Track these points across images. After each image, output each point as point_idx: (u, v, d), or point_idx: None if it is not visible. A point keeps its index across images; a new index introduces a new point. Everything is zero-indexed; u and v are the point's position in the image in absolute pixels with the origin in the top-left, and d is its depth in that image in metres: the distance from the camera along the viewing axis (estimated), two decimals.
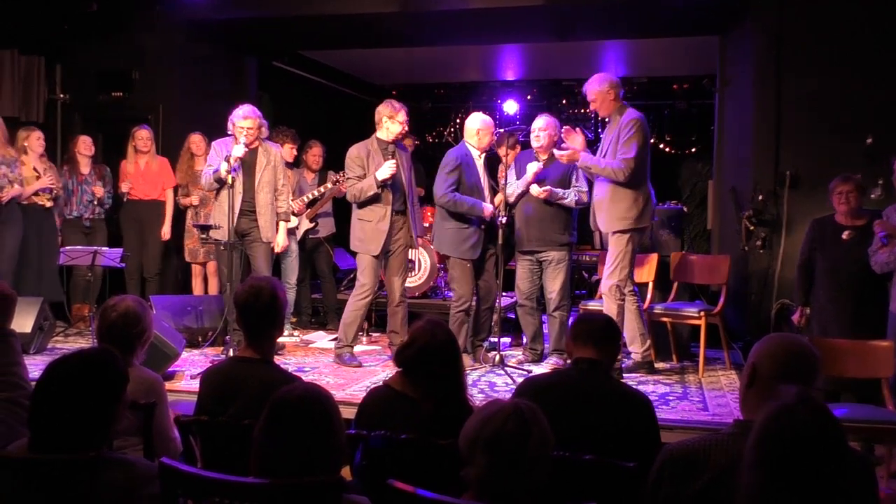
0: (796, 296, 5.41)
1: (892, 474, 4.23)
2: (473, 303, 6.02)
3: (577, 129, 5.76)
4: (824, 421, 1.76)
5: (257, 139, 6.05)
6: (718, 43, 7.57)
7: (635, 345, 5.67)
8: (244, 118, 5.94)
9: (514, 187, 6.03)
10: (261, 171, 6.08)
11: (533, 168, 5.90)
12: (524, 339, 6.33)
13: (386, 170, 5.76)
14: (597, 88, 5.50)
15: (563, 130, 5.69)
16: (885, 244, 4.65)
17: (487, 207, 5.87)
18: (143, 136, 7.26)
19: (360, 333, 7.04)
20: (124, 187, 7.25)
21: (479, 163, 6.05)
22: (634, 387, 5.10)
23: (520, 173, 6.07)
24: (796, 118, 6.42)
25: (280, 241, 6.28)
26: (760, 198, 6.48)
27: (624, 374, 5.46)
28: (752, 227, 6.52)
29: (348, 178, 5.90)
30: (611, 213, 5.45)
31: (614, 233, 5.48)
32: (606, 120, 5.67)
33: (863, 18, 6.22)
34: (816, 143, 6.34)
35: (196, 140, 7.25)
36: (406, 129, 6.07)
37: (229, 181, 5.84)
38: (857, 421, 4.11)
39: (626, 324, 5.52)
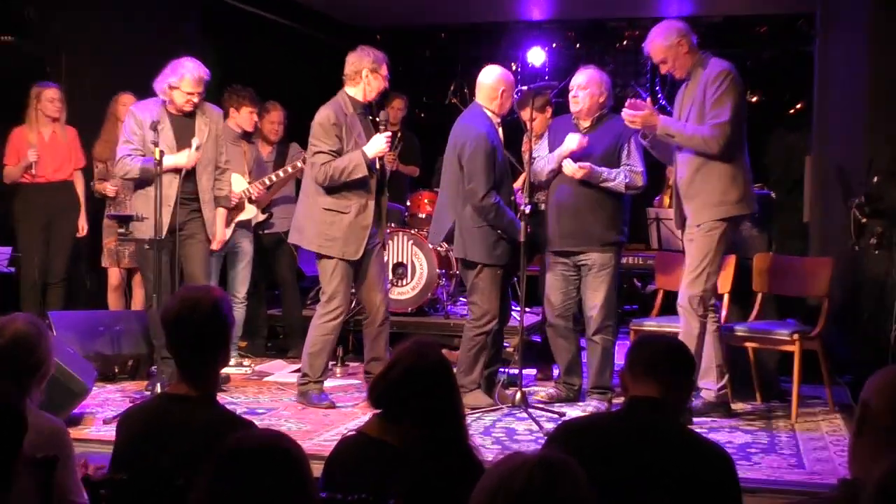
0: None
1: None
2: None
3: (645, 98, 5.75)
4: None
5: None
6: None
7: (709, 378, 5.69)
8: (197, 82, 5.95)
9: (543, 163, 6.02)
10: (201, 145, 6.08)
11: (573, 141, 5.86)
12: (555, 371, 6.32)
13: (379, 144, 5.78)
14: (663, 44, 5.52)
15: (627, 103, 5.64)
16: None
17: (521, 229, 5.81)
18: (52, 97, 7.19)
19: (332, 364, 7.06)
20: (31, 156, 7.08)
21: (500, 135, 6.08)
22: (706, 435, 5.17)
23: (553, 145, 6.07)
24: None
25: (218, 235, 6.28)
26: (876, 179, 6.49)
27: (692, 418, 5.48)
28: (864, 220, 6.53)
29: (318, 152, 5.83)
30: (702, 197, 5.48)
31: (700, 225, 5.49)
32: (685, 78, 5.65)
33: None
34: None
35: (127, 102, 7.22)
36: (387, 85, 6.13)
37: (157, 156, 5.83)
38: None
39: (694, 351, 5.52)
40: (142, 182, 6.10)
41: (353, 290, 6.25)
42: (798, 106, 10.50)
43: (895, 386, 2.29)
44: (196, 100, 6.01)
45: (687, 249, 5.66)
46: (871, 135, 6.64)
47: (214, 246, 6.31)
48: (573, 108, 6.03)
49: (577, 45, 11.44)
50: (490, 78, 6.03)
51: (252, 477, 2.02)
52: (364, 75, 5.92)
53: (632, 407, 2.91)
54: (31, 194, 7.26)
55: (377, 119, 6.04)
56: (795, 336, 5.93)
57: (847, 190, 6.80)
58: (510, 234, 5.84)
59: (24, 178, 7.20)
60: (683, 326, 5.55)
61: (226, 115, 7.21)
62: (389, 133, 5.91)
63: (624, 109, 5.59)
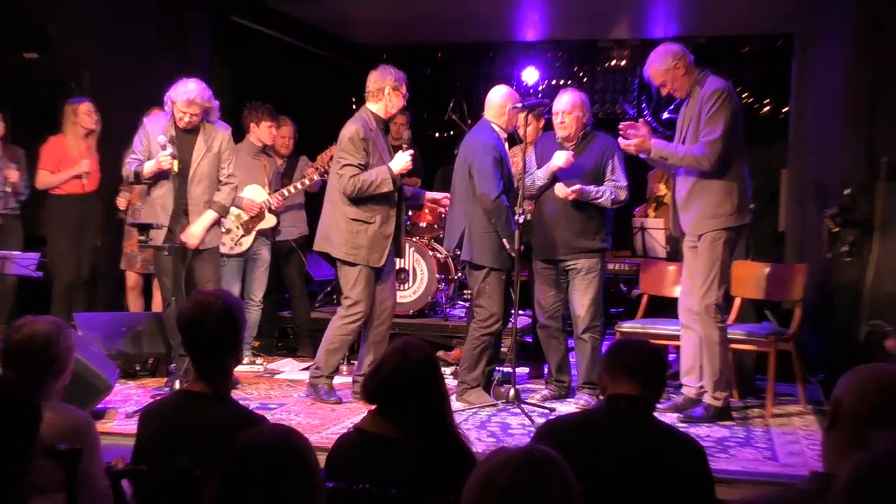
0: None
1: None
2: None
3: (640, 120, 5.78)
4: None
5: (201, 121, 6.07)
6: None
7: (691, 376, 5.71)
8: (188, 103, 5.93)
9: (533, 178, 6.08)
10: (197, 161, 6.04)
11: (561, 158, 5.90)
12: (546, 369, 6.35)
13: (403, 161, 5.81)
14: (660, 68, 5.53)
15: (620, 127, 5.66)
16: None
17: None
18: (88, 111, 7.20)
19: (341, 362, 7.09)
20: (84, 166, 7.12)
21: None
22: (683, 428, 5.18)
23: (541, 160, 6.12)
24: None
25: (194, 232, 6.02)
26: (848, 192, 6.51)
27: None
28: (836, 229, 6.55)
29: (347, 165, 5.79)
30: (698, 210, 5.48)
31: (702, 236, 5.50)
32: (686, 97, 5.63)
33: None
34: None
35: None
36: (405, 104, 6.15)
37: (174, 168, 5.87)
38: None
39: (718, 357, 5.52)
40: (149, 189, 6.13)
41: None
42: (772, 125, 10.52)
43: (866, 385, 2.31)
44: (188, 119, 5.97)
45: (692, 259, 5.62)
46: (845, 150, 6.66)
47: (191, 242, 6.01)
48: (561, 132, 6.06)
49: (569, 64, 11.46)
50: (499, 96, 6.13)
51: (262, 471, 2.04)
52: (386, 93, 5.92)
53: (612, 404, 2.95)
54: (64, 203, 7.26)
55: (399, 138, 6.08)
56: (771, 338, 5.97)
57: (821, 201, 6.82)
58: (509, 244, 5.87)
59: (61, 189, 7.21)
60: (703, 332, 5.52)
61: (246, 130, 7.26)
62: (412, 151, 5.92)
63: (620, 137, 5.63)
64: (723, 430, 5.44)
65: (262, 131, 7.25)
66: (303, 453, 2.10)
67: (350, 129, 5.83)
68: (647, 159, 5.79)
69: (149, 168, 5.94)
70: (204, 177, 6.07)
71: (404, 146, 5.92)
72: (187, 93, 5.94)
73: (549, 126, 6.45)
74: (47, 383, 3.15)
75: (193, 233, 6.02)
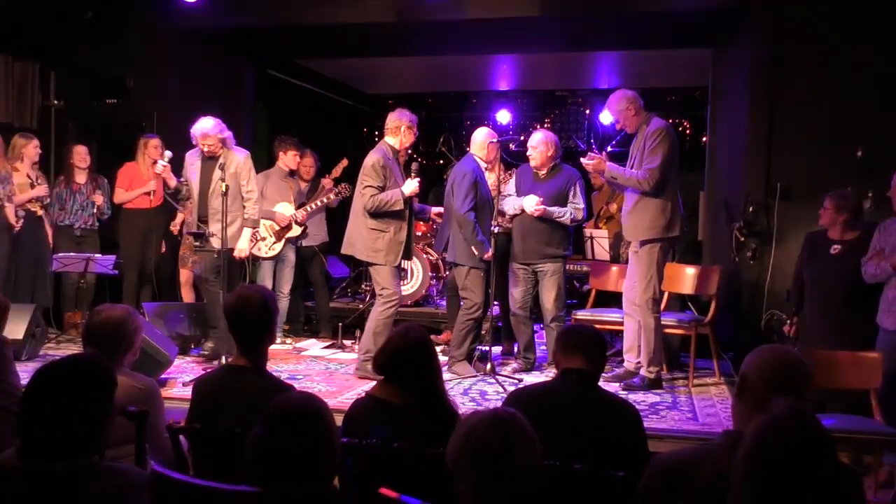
0: (790, 306, 5.43)
1: (879, 485, 4.25)
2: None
3: (601, 153, 5.79)
4: (815, 434, 1.77)
5: (221, 148, 6.07)
6: (711, 56, 7.61)
7: (631, 354, 5.69)
8: (203, 136, 6.00)
9: (510, 203, 6.08)
10: (215, 180, 5.95)
11: (530, 205, 5.94)
12: (516, 348, 6.34)
13: (413, 186, 5.79)
14: (616, 108, 5.54)
15: (586, 157, 5.65)
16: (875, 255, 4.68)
17: (489, 251, 5.88)
18: (156, 145, 7.21)
19: (352, 341, 7.06)
20: (151, 186, 7.18)
21: (489, 176, 6.17)
22: (623, 395, 5.17)
23: (519, 185, 6.16)
24: (788, 130, 6.46)
25: (242, 247, 6.11)
26: (751, 209, 6.51)
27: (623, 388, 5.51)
28: (742, 239, 6.55)
29: (368, 186, 5.73)
30: (637, 222, 5.47)
31: (643, 244, 5.47)
32: (634, 133, 5.58)
33: (855, 33, 6.26)
34: (808, 155, 6.36)
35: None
36: (414, 140, 6.13)
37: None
38: (846, 432, 4.14)
39: (653, 340, 5.50)
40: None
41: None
42: (692, 157, 10.53)
43: (765, 362, 2.30)
44: (207, 148, 6.01)
45: (635, 262, 5.59)
46: (748, 176, 6.65)
47: (240, 255, 6.12)
48: (532, 162, 6.10)
49: (533, 109, 11.48)
50: (482, 135, 6.21)
51: (290, 427, 2.03)
52: (402, 130, 5.87)
53: (565, 376, 2.93)
54: (134, 216, 7.28)
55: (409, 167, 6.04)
56: (692, 324, 5.96)
57: (730, 216, 6.81)
58: (477, 250, 5.88)
59: (132, 203, 7.24)
60: (643, 321, 5.50)
61: (276, 158, 7.24)
62: (419, 179, 5.87)
63: (583, 159, 5.66)
64: (655, 396, 5.42)
65: (288, 158, 7.21)
66: (322, 413, 2.10)
67: (373, 158, 5.77)
68: (603, 178, 5.78)
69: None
70: (220, 192, 5.92)
71: (413, 174, 5.86)
72: (203, 128, 5.99)
73: (520, 158, 6.46)
74: (119, 357, 3.13)
75: (241, 247, 6.10)
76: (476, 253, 5.85)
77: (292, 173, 7.33)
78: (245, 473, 2.05)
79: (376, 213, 5.73)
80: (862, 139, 6.16)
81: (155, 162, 7.13)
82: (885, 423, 4.24)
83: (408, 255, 5.95)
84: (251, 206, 6.15)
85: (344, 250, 6.11)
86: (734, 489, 1.80)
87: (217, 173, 5.90)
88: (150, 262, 7.30)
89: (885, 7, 6.19)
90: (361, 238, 5.82)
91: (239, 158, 6.13)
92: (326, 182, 7.52)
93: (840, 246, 4.95)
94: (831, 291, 4.92)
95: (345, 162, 7.76)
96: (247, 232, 6.14)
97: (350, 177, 7.04)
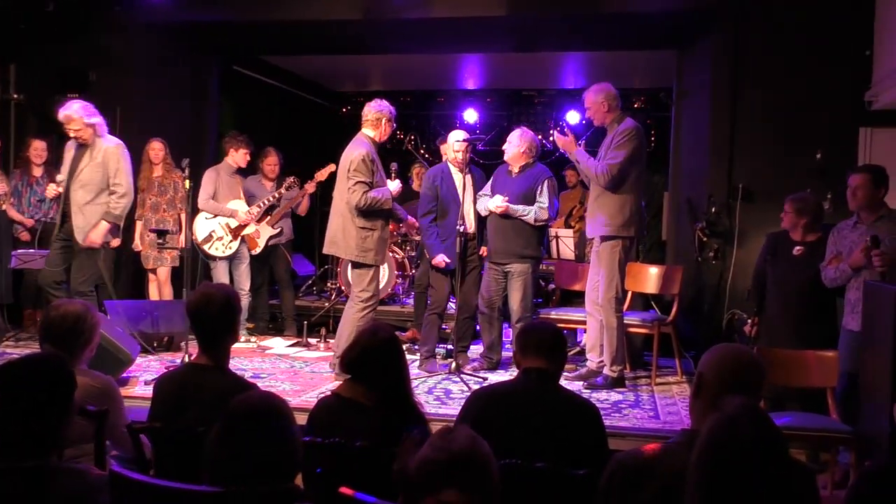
0: (750, 306, 5.50)
1: (835, 483, 4.33)
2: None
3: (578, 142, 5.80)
4: (767, 432, 1.80)
5: (91, 136, 5.78)
6: (676, 57, 7.70)
7: (593, 353, 5.73)
8: (66, 119, 5.68)
9: (482, 204, 6.13)
10: (80, 170, 5.75)
11: (495, 204, 5.96)
12: (482, 347, 6.35)
13: (396, 186, 5.79)
14: (591, 98, 5.57)
15: (557, 131, 5.71)
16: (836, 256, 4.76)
17: (439, 258, 6.00)
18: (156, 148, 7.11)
19: (317, 340, 7.04)
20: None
21: (459, 177, 6.15)
22: (587, 394, 5.21)
23: (495, 185, 6.16)
24: (750, 132, 6.56)
25: (94, 238, 5.74)
26: (714, 210, 6.59)
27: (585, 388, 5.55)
28: (705, 239, 6.63)
29: (359, 182, 5.52)
30: (595, 217, 5.50)
31: (603, 241, 5.51)
32: (603, 128, 5.68)
33: (816, 37, 6.37)
34: (769, 157, 6.48)
35: (155, 147, 7.14)
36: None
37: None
38: (802, 429, 4.22)
39: (615, 339, 5.53)
40: None
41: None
42: (657, 157, 10.62)
43: (721, 362, 2.33)
44: (72, 133, 5.73)
45: (596, 262, 5.62)
46: (711, 177, 6.73)
47: (84, 242, 5.73)
48: (505, 156, 6.14)
49: (500, 108, 11.52)
50: (450, 138, 6.32)
51: (250, 426, 2.03)
52: (383, 122, 5.74)
53: (526, 375, 2.95)
54: None
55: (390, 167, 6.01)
56: (655, 323, 6.02)
57: (693, 217, 6.89)
58: (428, 251, 6.03)
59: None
60: (605, 320, 5.53)
61: (225, 154, 7.15)
62: (399, 180, 5.87)
63: (556, 132, 5.70)
64: (618, 395, 5.47)
65: (238, 156, 7.07)
66: (282, 412, 2.09)
67: (361, 153, 5.56)
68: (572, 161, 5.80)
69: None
70: (85, 183, 5.75)
71: (393, 175, 5.82)
72: (66, 111, 5.69)
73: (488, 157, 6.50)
74: (77, 353, 3.11)
75: (93, 238, 5.74)
76: (427, 256, 5.93)
77: (242, 171, 7.24)
78: (205, 473, 2.04)
79: (366, 212, 5.57)
80: (821, 142, 6.28)
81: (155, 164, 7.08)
82: (842, 422, 4.32)
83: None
84: (116, 199, 5.79)
85: (325, 250, 5.98)
86: (689, 488, 1.83)
87: (84, 162, 5.68)
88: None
89: (846, 11, 6.30)
90: (349, 237, 5.63)
91: (108, 147, 5.81)
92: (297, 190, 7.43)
93: (802, 247, 5.03)
94: (794, 292, 4.99)
95: (332, 167, 7.69)
96: (103, 226, 5.75)
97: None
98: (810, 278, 4.85)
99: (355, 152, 5.58)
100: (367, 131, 5.73)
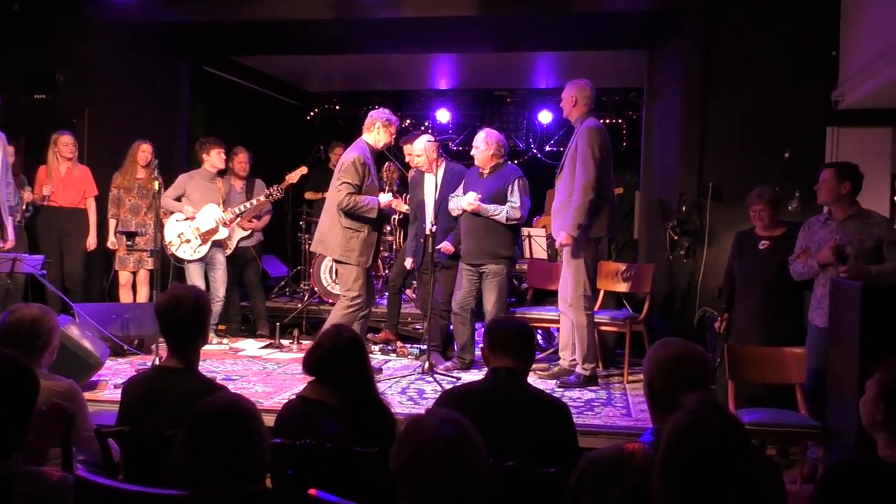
0: (721, 303, 5.55)
1: (803, 477, 4.38)
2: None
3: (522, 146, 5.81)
4: (728, 426, 1.82)
5: None
6: (647, 58, 7.74)
7: (567, 352, 5.75)
8: None
9: (454, 204, 6.12)
10: None
11: (467, 201, 5.96)
12: (455, 347, 6.34)
13: (387, 198, 5.79)
14: (567, 93, 5.62)
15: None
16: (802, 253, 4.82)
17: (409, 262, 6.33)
18: (67, 142, 6.97)
19: (290, 342, 7.00)
20: (46, 191, 6.92)
21: (431, 178, 6.24)
22: (559, 393, 5.23)
23: (467, 186, 6.15)
24: (720, 132, 6.61)
25: None
26: (685, 208, 6.63)
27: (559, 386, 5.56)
28: (676, 237, 6.66)
29: (345, 183, 5.62)
30: (565, 220, 5.49)
31: (567, 241, 5.52)
32: (573, 124, 5.71)
33: (784, 38, 6.44)
34: (738, 156, 6.53)
35: (144, 150, 7.06)
36: (392, 141, 6.07)
37: None
38: (771, 425, 4.27)
39: (586, 337, 5.55)
40: None
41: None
42: (629, 157, 10.69)
43: (661, 365, 2.34)
44: None
45: (565, 261, 5.64)
46: (681, 176, 6.78)
47: None
48: (477, 163, 6.11)
49: (473, 108, 11.53)
50: (421, 143, 6.39)
51: (216, 429, 2.01)
52: (377, 127, 5.81)
53: (495, 374, 2.95)
54: (48, 216, 7.02)
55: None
56: (627, 321, 6.06)
57: (664, 216, 6.93)
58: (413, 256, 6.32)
59: (42, 203, 6.97)
60: (575, 319, 5.56)
61: (200, 160, 7.08)
62: (391, 192, 5.92)
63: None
64: (590, 393, 5.49)
65: (213, 158, 7.01)
66: (248, 414, 2.08)
67: (353, 155, 5.69)
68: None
69: None
70: None
71: (386, 187, 5.91)
72: None
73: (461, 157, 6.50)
74: (37, 357, 3.06)
75: None
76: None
77: (221, 173, 7.17)
78: (172, 476, 2.02)
79: (351, 214, 5.65)
80: (790, 141, 6.35)
81: (69, 159, 6.99)
82: (810, 417, 4.37)
83: (374, 259, 5.88)
84: (9, 192, 5.71)
85: (314, 248, 6.03)
86: (655, 487, 1.84)
87: None
88: (72, 266, 7.06)
89: (813, 13, 6.38)
90: (336, 237, 5.70)
91: (2, 145, 5.74)
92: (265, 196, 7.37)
93: (768, 242, 5.09)
94: (761, 286, 5.05)
95: (303, 169, 7.65)
96: None
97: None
98: (777, 271, 4.92)
99: (349, 154, 5.73)
100: (366, 137, 5.88)
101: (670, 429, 1.83)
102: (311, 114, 11.72)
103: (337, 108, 11.69)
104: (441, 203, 6.31)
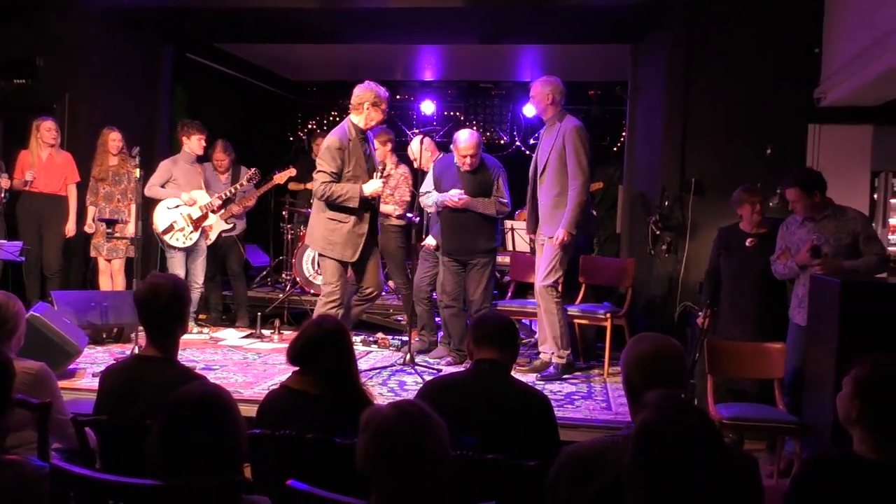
0: (702, 298, 5.58)
1: (781, 472, 4.41)
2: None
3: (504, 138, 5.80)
4: (693, 420, 1.83)
5: None
6: (631, 51, 7.75)
7: (547, 345, 5.75)
8: None
9: (431, 199, 6.08)
10: None
11: (455, 194, 5.90)
12: (451, 342, 6.20)
13: (375, 186, 5.31)
14: (538, 88, 5.62)
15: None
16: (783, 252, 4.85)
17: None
18: (49, 128, 6.90)
19: (271, 332, 6.98)
20: (28, 176, 6.84)
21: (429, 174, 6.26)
22: (540, 385, 5.24)
23: (438, 181, 6.11)
24: (703, 127, 6.63)
25: None
26: (667, 203, 6.66)
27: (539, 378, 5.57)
28: (658, 232, 6.69)
29: (320, 171, 5.24)
30: (553, 220, 5.52)
31: (551, 237, 5.54)
32: (544, 120, 5.73)
33: (767, 35, 6.47)
34: (720, 151, 6.56)
35: (113, 138, 7.00)
36: (383, 118, 5.57)
37: None
38: (748, 419, 4.31)
39: (556, 324, 5.59)
40: None
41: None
42: (612, 150, 10.74)
43: (639, 360, 2.35)
44: None
45: (540, 251, 5.68)
46: (664, 171, 6.80)
47: None
48: (467, 167, 5.94)
49: (458, 100, 11.52)
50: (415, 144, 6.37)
51: (191, 419, 2.00)
52: (366, 107, 5.34)
53: (478, 366, 2.95)
54: (27, 202, 6.93)
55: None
56: (608, 315, 6.07)
57: (647, 210, 6.95)
58: None
59: (23, 188, 6.89)
60: (543, 306, 5.59)
61: (179, 144, 7.04)
62: (383, 178, 5.60)
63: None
64: (571, 386, 5.51)
65: (192, 143, 6.98)
66: (222, 404, 2.06)
67: (329, 140, 5.29)
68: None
69: None
70: None
71: (377, 174, 5.44)
72: None
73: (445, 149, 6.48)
74: (3, 342, 3.04)
75: None
76: None
77: (200, 158, 7.12)
78: (148, 465, 2.01)
79: (331, 204, 5.29)
80: (772, 137, 6.38)
81: (52, 145, 6.92)
82: (788, 412, 4.40)
83: (366, 253, 5.42)
84: None
85: (306, 242, 5.88)
86: (628, 485, 1.85)
87: None
88: (50, 253, 6.98)
89: (796, 9, 6.41)
90: (319, 228, 5.35)
91: None
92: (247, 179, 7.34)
93: (755, 239, 5.13)
94: (750, 283, 5.09)
95: (291, 171, 7.60)
96: None
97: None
98: (764, 268, 4.96)
99: (327, 140, 5.37)
100: (352, 117, 5.41)
101: (638, 426, 1.85)
102: (296, 103, 11.66)
103: (321, 97, 11.64)
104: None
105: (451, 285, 6.07)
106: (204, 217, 6.90)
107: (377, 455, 1.90)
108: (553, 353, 5.68)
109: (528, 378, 5.49)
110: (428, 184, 6.17)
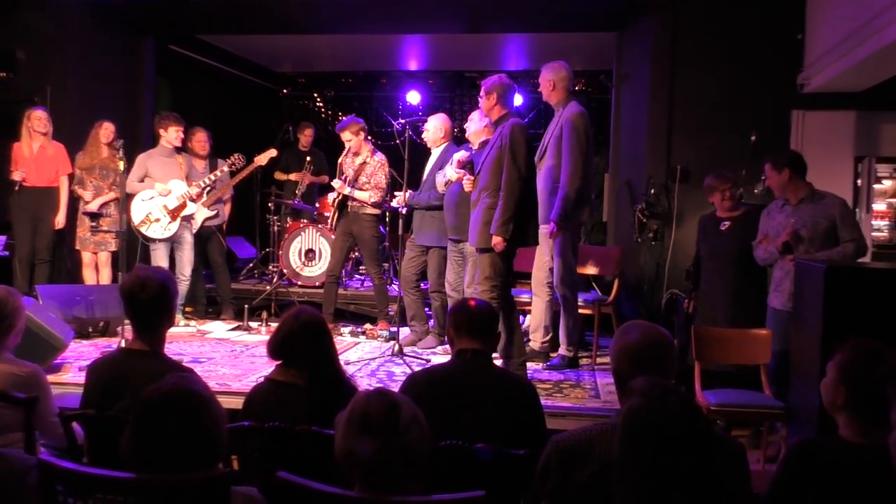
0: (688, 285, 5.61)
1: (767, 457, 4.45)
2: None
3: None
4: (676, 406, 1.84)
5: None
6: (616, 39, 7.75)
7: (538, 333, 5.77)
8: None
9: (440, 179, 6.06)
10: None
11: (457, 156, 5.77)
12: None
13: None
14: (545, 76, 5.60)
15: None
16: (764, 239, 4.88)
17: None
18: (40, 117, 6.83)
19: (259, 324, 6.96)
20: (17, 176, 6.78)
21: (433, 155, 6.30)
22: (530, 373, 5.25)
23: (441, 165, 6.12)
24: (688, 115, 6.66)
25: None
26: (653, 191, 6.68)
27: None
28: (644, 220, 6.71)
29: None
30: (551, 206, 5.48)
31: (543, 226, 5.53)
32: (548, 102, 5.73)
33: (750, 22, 6.49)
34: (706, 139, 6.59)
35: (108, 128, 6.95)
36: None
37: None
38: (735, 405, 4.33)
39: (540, 314, 5.60)
40: None
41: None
42: (598, 139, 10.72)
43: (627, 350, 2.35)
44: None
45: (543, 243, 5.64)
46: (650, 159, 6.82)
47: None
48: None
49: (443, 90, 11.50)
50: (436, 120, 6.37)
51: (163, 415, 1.98)
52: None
53: (460, 356, 2.95)
54: (22, 195, 6.88)
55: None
56: (595, 303, 6.09)
57: (633, 198, 6.97)
58: None
59: (14, 189, 6.83)
60: (563, 301, 5.60)
61: (157, 137, 7.00)
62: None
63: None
64: (560, 374, 5.52)
65: (169, 135, 6.90)
66: (198, 398, 2.04)
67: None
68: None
69: None
70: None
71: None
72: None
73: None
74: (2, 338, 3.01)
75: None
76: None
77: (178, 150, 7.07)
78: (126, 460, 2.00)
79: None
80: (756, 124, 6.41)
81: (43, 134, 6.86)
82: (774, 398, 4.43)
83: None
84: None
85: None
86: (616, 473, 1.85)
87: None
88: (41, 241, 6.94)
89: None
90: None
91: None
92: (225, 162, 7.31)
93: (729, 222, 5.17)
94: (724, 265, 5.13)
95: (272, 152, 7.55)
96: None
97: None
98: (739, 250, 5.00)
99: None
100: None
101: (624, 413, 1.85)
102: (281, 94, 11.61)
103: (306, 89, 11.60)
104: (429, 179, 6.27)
105: (452, 274, 6.06)
106: (182, 206, 6.82)
107: (350, 435, 1.96)
108: (547, 345, 5.71)
109: (530, 366, 5.50)
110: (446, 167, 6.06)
